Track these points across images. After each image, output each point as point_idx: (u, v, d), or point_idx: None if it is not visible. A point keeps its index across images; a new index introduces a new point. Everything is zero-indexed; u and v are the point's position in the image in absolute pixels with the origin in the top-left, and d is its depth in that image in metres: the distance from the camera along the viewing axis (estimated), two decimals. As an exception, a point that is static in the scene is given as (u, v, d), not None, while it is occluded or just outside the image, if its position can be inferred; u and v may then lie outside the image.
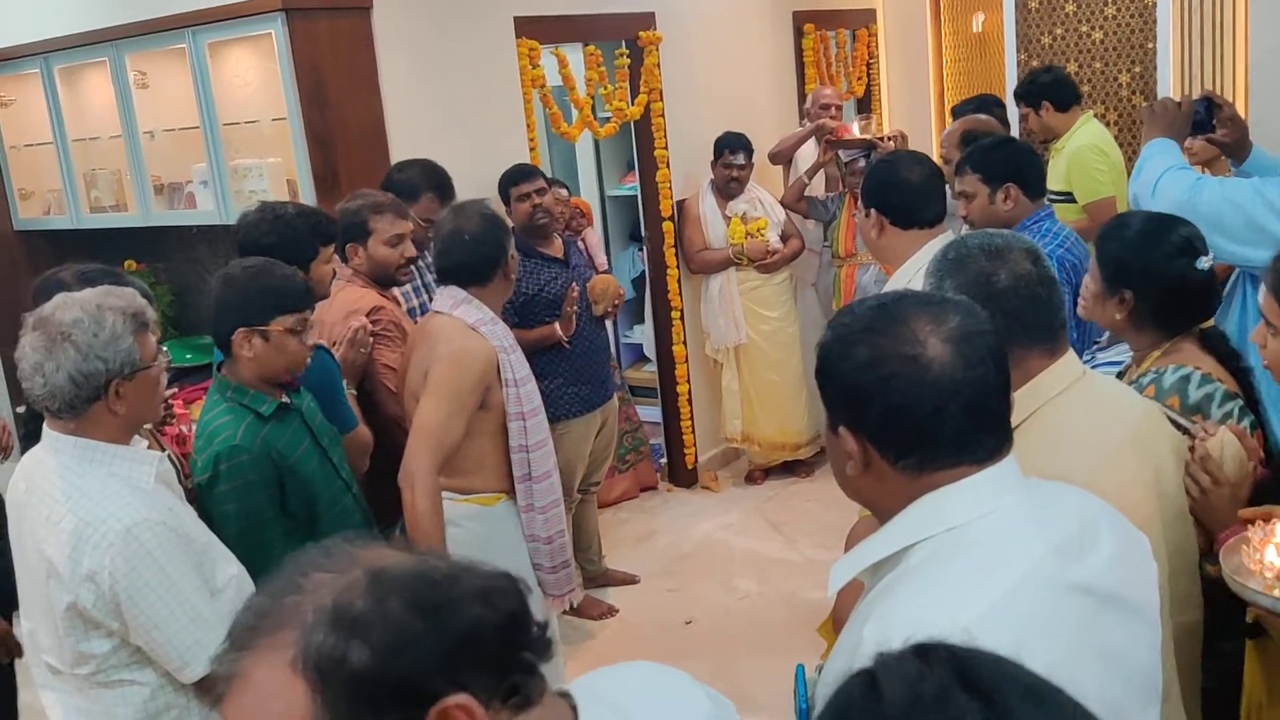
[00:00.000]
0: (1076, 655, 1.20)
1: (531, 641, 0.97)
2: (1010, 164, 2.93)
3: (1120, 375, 2.12)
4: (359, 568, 0.94)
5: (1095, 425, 1.62)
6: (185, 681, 2.09)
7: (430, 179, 3.77)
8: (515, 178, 4.32)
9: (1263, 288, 1.86)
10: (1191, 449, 1.74)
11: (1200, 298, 2.08)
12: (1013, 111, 5.52)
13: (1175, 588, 1.60)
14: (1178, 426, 1.78)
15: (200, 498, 2.45)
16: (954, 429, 1.24)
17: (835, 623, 1.74)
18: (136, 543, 2.00)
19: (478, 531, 3.02)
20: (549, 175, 4.66)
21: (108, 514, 2.01)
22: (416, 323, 3.29)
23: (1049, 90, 4.51)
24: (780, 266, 5.38)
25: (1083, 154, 4.36)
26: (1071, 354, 1.67)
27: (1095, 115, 5.41)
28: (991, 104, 5.02)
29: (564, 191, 5.10)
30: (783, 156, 5.69)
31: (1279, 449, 2.03)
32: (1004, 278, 1.68)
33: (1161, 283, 2.03)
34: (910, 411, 1.24)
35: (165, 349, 2.23)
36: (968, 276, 1.68)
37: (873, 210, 2.79)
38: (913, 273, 2.78)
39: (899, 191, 2.76)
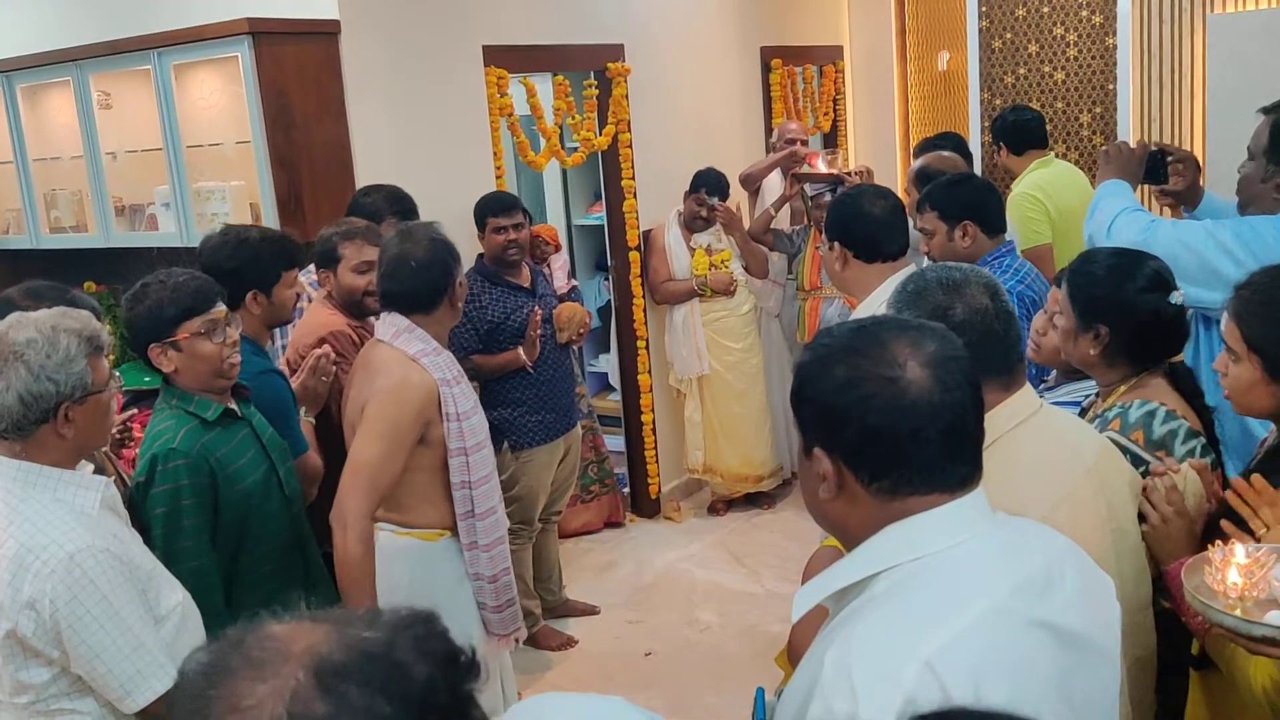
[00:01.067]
0: (1036, 691, 1.20)
1: (469, 674, 0.95)
2: (967, 201, 2.98)
3: (1082, 413, 2.14)
4: (293, 665, 0.88)
5: (1051, 458, 1.63)
6: (127, 712, 2.06)
7: (394, 204, 3.76)
8: (494, 209, 4.31)
9: (1224, 316, 1.89)
10: (1147, 483, 1.76)
11: (1172, 332, 2.11)
12: (976, 149, 5.61)
13: (1129, 621, 1.60)
14: (1140, 461, 1.79)
15: (134, 499, 2.43)
16: (930, 453, 1.24)
17: (791, 652, 1.73)
18: (79, 570, 1.97)
19: (417, 568, 2.89)
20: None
21: (50, 540, 1.98)
22: None
23: (1004, 133, 4.60)
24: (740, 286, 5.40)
25: (1018, 201, 4.42)
26: (1028, 388, 1.69)
27: (1056, 154, 5.50)
28: (954, 142, 5.09)
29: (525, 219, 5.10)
30: (753, 180, 5.71)
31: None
32: (960, 311, 1.69)
33: (1136, 317, 2.05)
34: (887, 433, 1.24)
35: (118, 374, 2.20)
36: (924, 309, 1.69)
37: (836, 243, 2.82)
38: (875, 305, 2.80)
39: (862, 225, 2.79)
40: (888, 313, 1.72)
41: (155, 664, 2.04)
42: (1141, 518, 1.77)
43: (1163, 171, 2.96)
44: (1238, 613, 1.48)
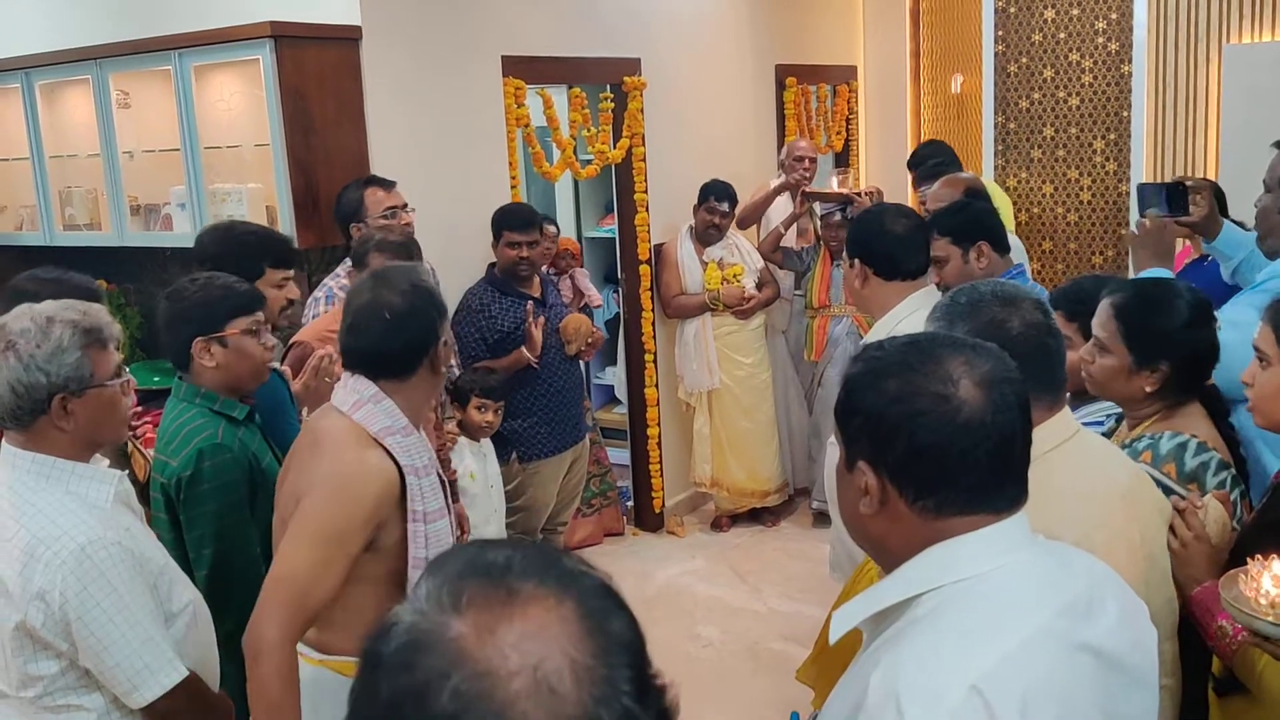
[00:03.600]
0: (1082, 715, 1.19)
1: None
2: (979, 223, 2.98)
3: (1106, 435, 2.14)
4: None
5: (1086, 482, 1.63)
6: (133, 706, 2.04)
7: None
8: (512, 223, 4.30)
9: (1261, 324, 1.88)
10: (1177, 509, 1.76)
11: (1213, 360, 2.12)
12: (989, 173, 5.62)
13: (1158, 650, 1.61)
14: (1171, 493, 1.79)
15: (178, 495, 2.42)
16: (977, 474, 1.23)
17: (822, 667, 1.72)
18: (90, 562, 1.96)
19: (325, 709, 2.16)
20: (540, 214, 4.66)
21: (61, 532, 1.97)
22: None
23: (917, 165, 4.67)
24: (755, 312, 5.41)
25: None
26: (1068, 410, 1.68)
27: (1070, 180, 5.51)
28: (939, 148, 5.16)
29: (553, 229, 5.12)
30: (750, 220, 5.71)
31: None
32: (1016, 325, 1.68)
33: (1195, 352, 2.06)
34: (936, 451, 1.23)
35: (126, 370, 2.16)
36: (980, 321, 1.67)
37: (857, 261, 2.83)
38: (894, 323, 2.81)
39: (883, 242, 2.81)
40: (934, 325, 1.70)
41: (163, 658, 2.03)
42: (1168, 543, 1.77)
43: (1182, 202, 2.95)
44: (1270, 618, 1.50)
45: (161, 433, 2.55)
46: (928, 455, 1.23)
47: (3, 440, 2.11)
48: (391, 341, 2.19)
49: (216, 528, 2.42)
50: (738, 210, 5.51)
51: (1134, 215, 5.28)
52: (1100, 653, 1.24)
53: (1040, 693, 1.15)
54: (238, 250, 2.94)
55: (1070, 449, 1.65)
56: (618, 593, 0.87)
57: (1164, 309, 2.09)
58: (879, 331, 2.85)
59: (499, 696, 0.77)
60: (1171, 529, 1.76)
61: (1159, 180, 4.10)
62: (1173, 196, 2.92)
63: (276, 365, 3.05)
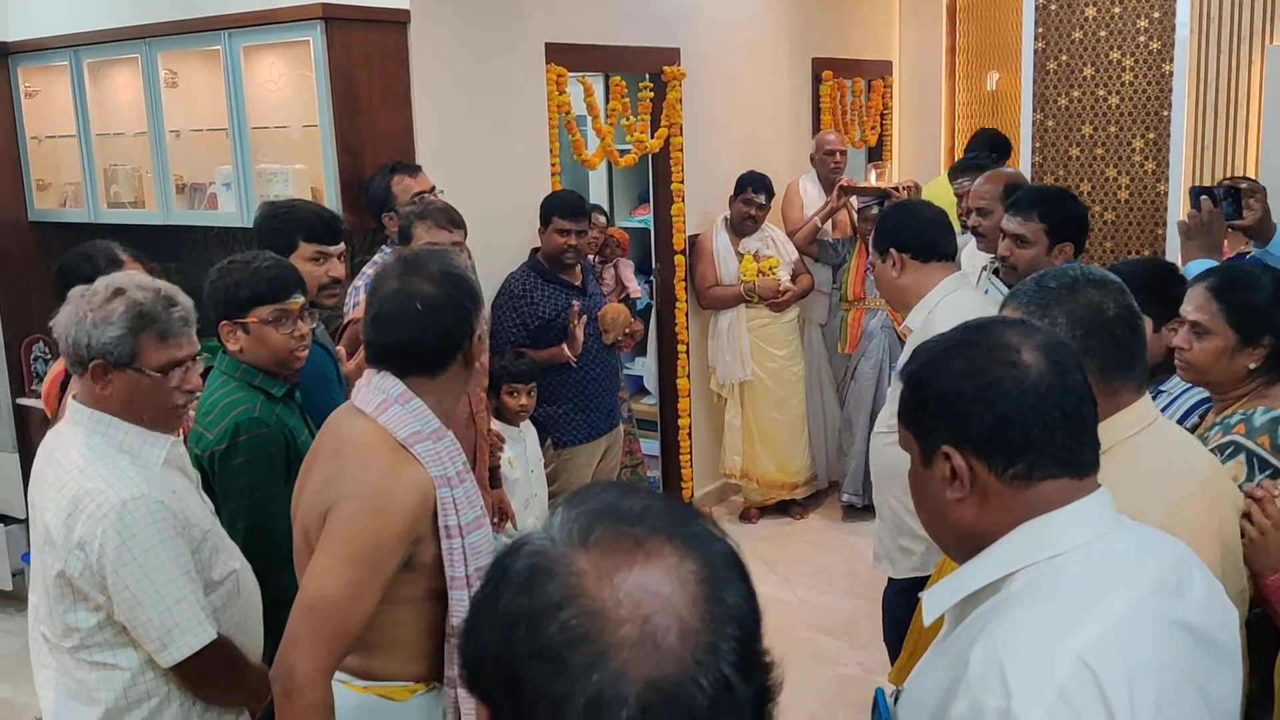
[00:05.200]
0: (1182, 690, 1.20)
1: None
2: (1076, 223, 2.96)
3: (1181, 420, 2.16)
4: None
5: (1168, 467, 1.64)
6: (163, 665, 2.07)
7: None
8: (563, 211, 4.31)
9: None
10: (1254, 497, 1.76)
11: None
12: (1026, 171, 5.61)
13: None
14: (1265, 465, 1.80)
15: (212, 467, 2.45)
16: (1058, 434, 1.26)
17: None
18: (130, 517, 1.99)
19: None
20: (590, 203, 4.68)
21: (106, 485, 2.01)
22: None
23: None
24: (791, 304, 5.41)
25: None
26: (1148, 396, 1.69)
27: (1108, 179, 5.50)
28: (991, 137, 5.12)
29: (601, 219, 5.14)
30: (803, 240, 5.63)
31: None
32: (1112, 307, 1.69)
33: None
34: (1016, 417, 1.25)
35: (172, 371, 2.08)
36: (1079, 303, 1.68)
37: (891, 250, 2.90)
38: (934, 302, 2.86)
39: (917, 225, 2.92)
40: (1019, 312, 1.71)
41: (195, 620, 2.05)
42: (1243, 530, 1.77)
43: (1237, 206, 2.94)
44: None
45: (200, 404, 2.56)
46: (1009, 421, 1.26)
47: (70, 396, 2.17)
48: (422, 335, 1.99)
49: (250, 502, 2.44)
50: (790, 233, 5.54)
51: (1173, 211, 5.26)
52: (1192, 628, 1.25)
53: (1144, 665, 1.17)
54: (273, 224, 2.99)
55: (1153, 434, 1.66)
56: (742, 564, 0.88)
57: (1256, 286, 2.12)
58: (919, 314, 2.90)
59: (604, 639, 0.79)
60: (1248, 516, 1.76)
61: (1205, 184, 4.07)
62: (1227, 200, 2.90)
63: (327, 344, 3.07)
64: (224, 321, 2.54)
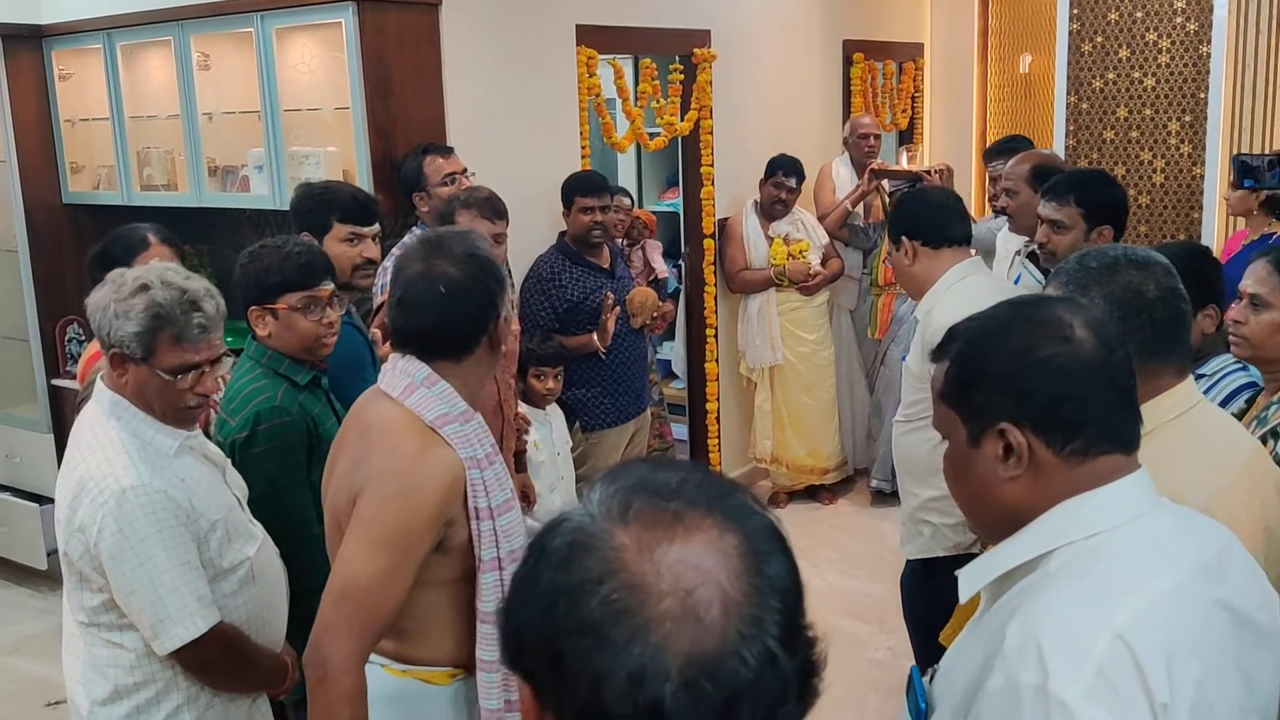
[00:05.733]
0: (1223, 671, 1.19)
1: None
2: (1115, 206, 2.93)
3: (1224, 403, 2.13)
4: None
5: (1211, 450, 1.63)
6: (158, 653, 2.08)
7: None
8: (584, 189, 4.31)
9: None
10: None
11: None
12: (1060, 153, 5.55)
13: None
14: None
15: (234, 456, 2.45)
16: (1114, 409, 1.27)
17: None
18: (127, 505, 2.01)
19: None
20: (613, 186, 4.67)
21: (110, 471, 2.03)
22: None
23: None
24: (820, 288, 5.39)
25: None
26: (1191, 379, 1.67)
27: (1143, 162, 5.43)
28: (1023, 145, 5.06)
29: (626, 201, 5.12)
30: (833, 225, 5.61)
31: None
32: (1153, 289, 1.67)
33: None
34: (1075, 391, 1.25)
35: (183, 374, 2.08)
36: (1118, 284, 1.67)
37: (903, 238, 2.94)
38: (944, 289, 2.89)
39: (928, 211, 2.98)
40: (1065, 291, 1.70)
41: (187, 611, 2.05)
42: None
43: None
44: None
45: (226, 390, 2.57)
46: (1069, 396, 1.25)
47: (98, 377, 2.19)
48: (446, 319, 1.97)
49: (270, 490, 2.43)
50: (821, 218, 5.51)
51: (1209, 195, 5.20)
52: (1234, 610, 1.24)
53: (1184, 645, 1.16)
54: (308, 205, 2.98)
55: (1196, 416, 1.65)
56: (784, 537, 0.87)
57: None
58: (929, 301, 2.92)
59: (645, 613, 0.78)
60: None
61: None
62: (1272, 170, 2.88)
63: (360, 327, 3.08)
64: (253, 306, 2.55)
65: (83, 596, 2.10)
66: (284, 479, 2.46)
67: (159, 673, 2.12)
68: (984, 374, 1.29)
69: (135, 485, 2.01)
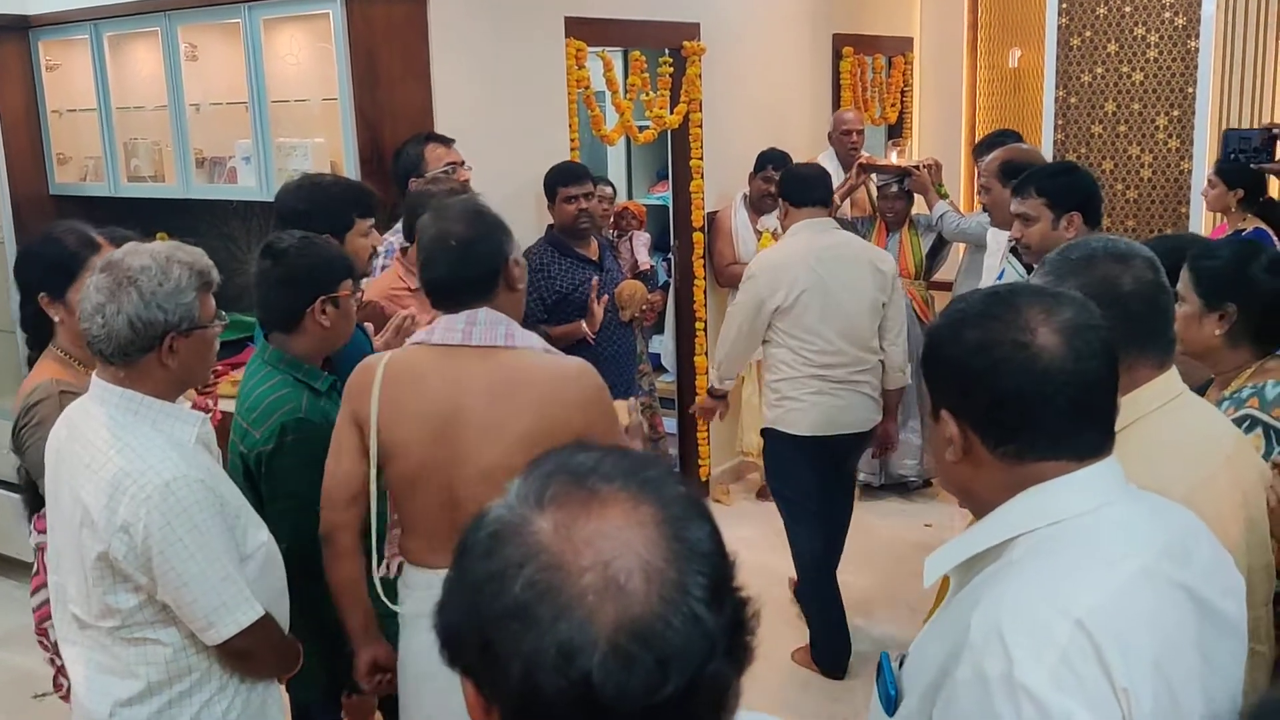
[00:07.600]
0: (1182, 651, 1.21)
1: None
2: (1078, 192, 2.94)
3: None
4: None
5: (1192, 441, 1.63)
6: (209, 643, 2.07)
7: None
8: (564, 178, 4.31)
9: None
10: (1277, 464, 1.75)
11: None
12: (1048, 147, 5.56)
13: (1252, 615, 1.60)
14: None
15: (259, 468, 2.44)
16: (1057, 420, 1.26)
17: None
18: (174, 497, 1.98)
19: None
20: (595, 175, 4.66)
21: (148, 466, 2.00)
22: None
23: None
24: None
25: None
26: (1174, 370, 1.68)
27: (1131, 157, 5.45)
28: (1012, 139, 5.06)
29: (609, 190, 5.11)
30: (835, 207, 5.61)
31: None
32: (1129, 282, 1.67)
33: (1262, 298, 2.09)
34: (1015, 399, 1.25)
35: (224, 314, 2.20)
36: (1093, 277, 1.67)
37: (781, 200, 3.99)
38: (789, 239, 3.95)
39: (790, 175, 4.04)
40: (1045, 282, 1.70)
41: (241, 597, 2.05)
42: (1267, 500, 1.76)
43: (1271, 149, 2.92)
44: None
45: (244, 396, 2.53)
46: (1008, 402, 1.26)
47: (94, 376, 2.15)
48: (464, 268, 2.22)
49: (299, 502, 2.41)
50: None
51: (1197, 189, 5.21)
52: (1195, 595, 1.26)
53: (1143, 628, 1.17)
54: (326, 204, 2.94)
55: (1176, 408, 1.65)
56: (702, 505, 0.90)
57: (1226, 254, 2.16)
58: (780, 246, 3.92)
59: (568, 590, 0.80)
60: (1272, 486, 1.75)
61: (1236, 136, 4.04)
62: (1265, 143, 2.89)
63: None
64: (322, 297, 2.49)
65: (115, 599, 2.06)
66: (309, 492, 2.42)
67: (198, 662, 2.11)
68: (940, 359, 1.33)
69: (177, 477, 1.99)
